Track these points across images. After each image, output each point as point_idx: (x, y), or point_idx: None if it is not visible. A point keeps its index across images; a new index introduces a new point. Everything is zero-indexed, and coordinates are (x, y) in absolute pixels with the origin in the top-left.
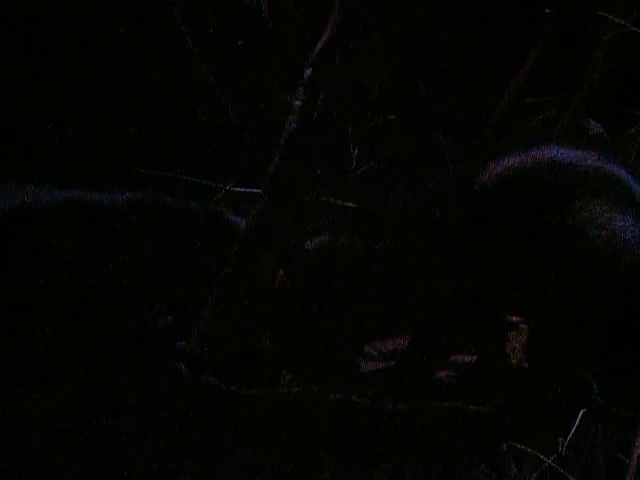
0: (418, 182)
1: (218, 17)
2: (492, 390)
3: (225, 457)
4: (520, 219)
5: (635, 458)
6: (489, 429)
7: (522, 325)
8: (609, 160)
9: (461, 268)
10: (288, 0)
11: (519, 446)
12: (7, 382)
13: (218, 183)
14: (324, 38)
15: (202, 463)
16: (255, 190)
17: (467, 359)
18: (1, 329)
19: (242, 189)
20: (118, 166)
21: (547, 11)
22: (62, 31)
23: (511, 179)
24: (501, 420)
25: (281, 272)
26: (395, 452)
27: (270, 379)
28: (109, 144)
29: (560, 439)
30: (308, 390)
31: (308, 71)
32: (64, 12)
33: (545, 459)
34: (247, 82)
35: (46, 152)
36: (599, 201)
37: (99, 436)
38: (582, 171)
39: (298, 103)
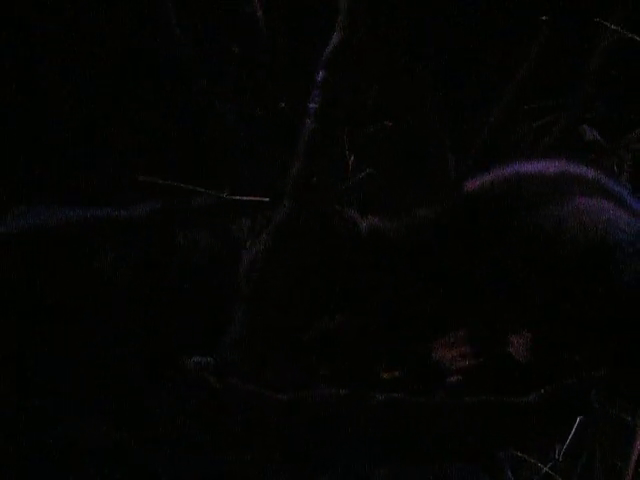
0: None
1: (213, 23)
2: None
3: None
4: (502, 230)
5: (632, 465)
6: (522, 421)
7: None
8: (576, 164)
9: (453, 274)
10: (283, 6)
11: (516, 452)
12: (25, 387)
13: (213, 191)
14: (335, 40)
15: (229, 470)
16: (251, 198)
17: (472, 362)
18: (16, 349)
19: (238, 197)
20: (117, 176)
21: (543, 17)
22: (61, 47)
23: (484, 196)
24: (536, 411)
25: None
26: (425, 449)
27: (303, 382)
28: (105, 153)
29: (557, 445)
30: (353, 391)
31: (321, 73)
32: (58, 22)
33: (542, 466)
34: (243, 89)
35: (54, 169)
36: (573, 198)
37: (112, 438)
38: (549, 178)
39: (314, 106)
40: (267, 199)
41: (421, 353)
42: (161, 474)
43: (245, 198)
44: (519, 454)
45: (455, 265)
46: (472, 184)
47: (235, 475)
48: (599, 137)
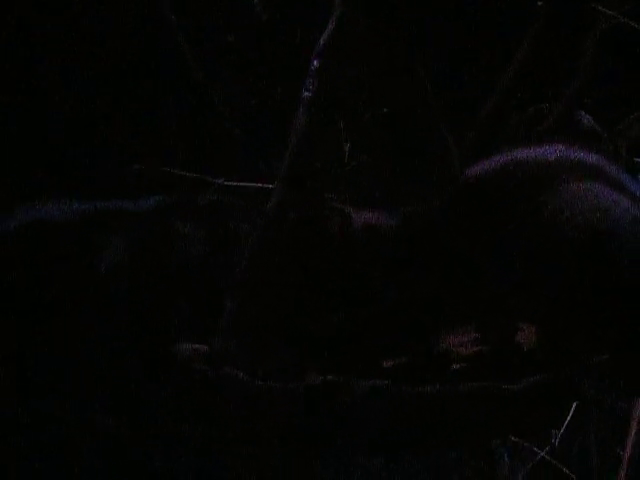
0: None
1: (208, 12)
2: (508, 373)
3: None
4: (502, 219)
5: (628, 450)
6: (521, 407)
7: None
8: (576, 149)
9: (456, 264)
10: None
11: (513, 438)
12: (20, 382)
13: (209, 177)
14: (329, 29)
15: (224, 462)
16: (247, 184)
17: (478, 349)
18: (16, 345)
19: (234, 183)
20: (117, 168)
21: (539, 3)
22: (59, 39)
23: (483, 183)
24: (534, 397)
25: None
26: (426, 437)
27: (296, 371)
28: (101, 144)
29: (554, 431)
30: (338, 379)
31: (315, 63)
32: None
33: (538, 451)
34: (238, 77)
35: (57, 164)
36: (571, 184)
37: (111, 436)
38: (548, 164)
39: (308, 94)
40: (262, 185)
41: (426, 341)
42: (159, 471)
43: (241, 184)
44: (516, 439)
45: (456, 255)
46: (471, 172)
47: (233, 468)
48: (595, 124)
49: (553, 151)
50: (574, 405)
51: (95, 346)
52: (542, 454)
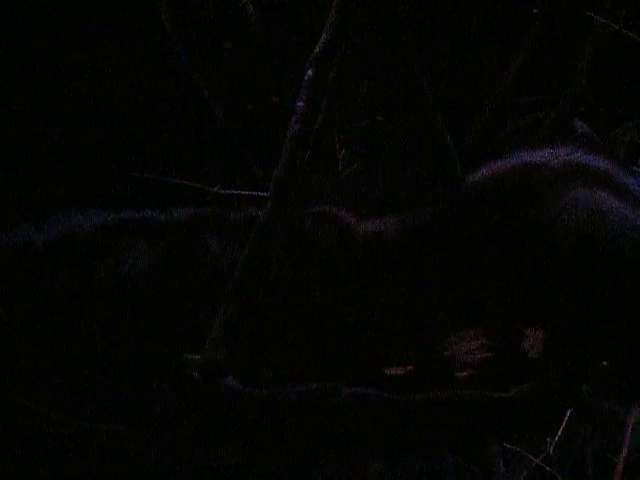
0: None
1: (205, 19)
2: (511, 380)
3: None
4: (505, 224)
5: (623, 457)
6: (510, 415)
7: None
8: (586, 152)
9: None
10: (274, 2)
11: (508, 445)
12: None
13: (205, 186)
14: (324, 39)
15: (212, 467)
16: (243, 192)
17: (484, 356)
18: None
19: (230, 191)
20: (110, 175)
21: (534, 11)
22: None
23: (488, 186)
24: (523, 406)
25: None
26: (413, 443)
27: (285, 379)
28: (99, 152)
29: (548, 438)
30: (322, 386)
31: (309, 72)
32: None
33: (533, 458)
34: (234, 84)
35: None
36: (572, 190)
37: (105, 441)
38: (553, 168)
39: (301, 104)
40: (258, 193)
41: (431, 349)
42: (157, 471)
43: (237, 192)
44: (511, 446)
45: (461, 260)
46: (475, 176)
47: (231, 468)
48: (590, 130)
49: (560, 154)
50: (570, 412)
51: (105, 346)
52: (537, 461)
